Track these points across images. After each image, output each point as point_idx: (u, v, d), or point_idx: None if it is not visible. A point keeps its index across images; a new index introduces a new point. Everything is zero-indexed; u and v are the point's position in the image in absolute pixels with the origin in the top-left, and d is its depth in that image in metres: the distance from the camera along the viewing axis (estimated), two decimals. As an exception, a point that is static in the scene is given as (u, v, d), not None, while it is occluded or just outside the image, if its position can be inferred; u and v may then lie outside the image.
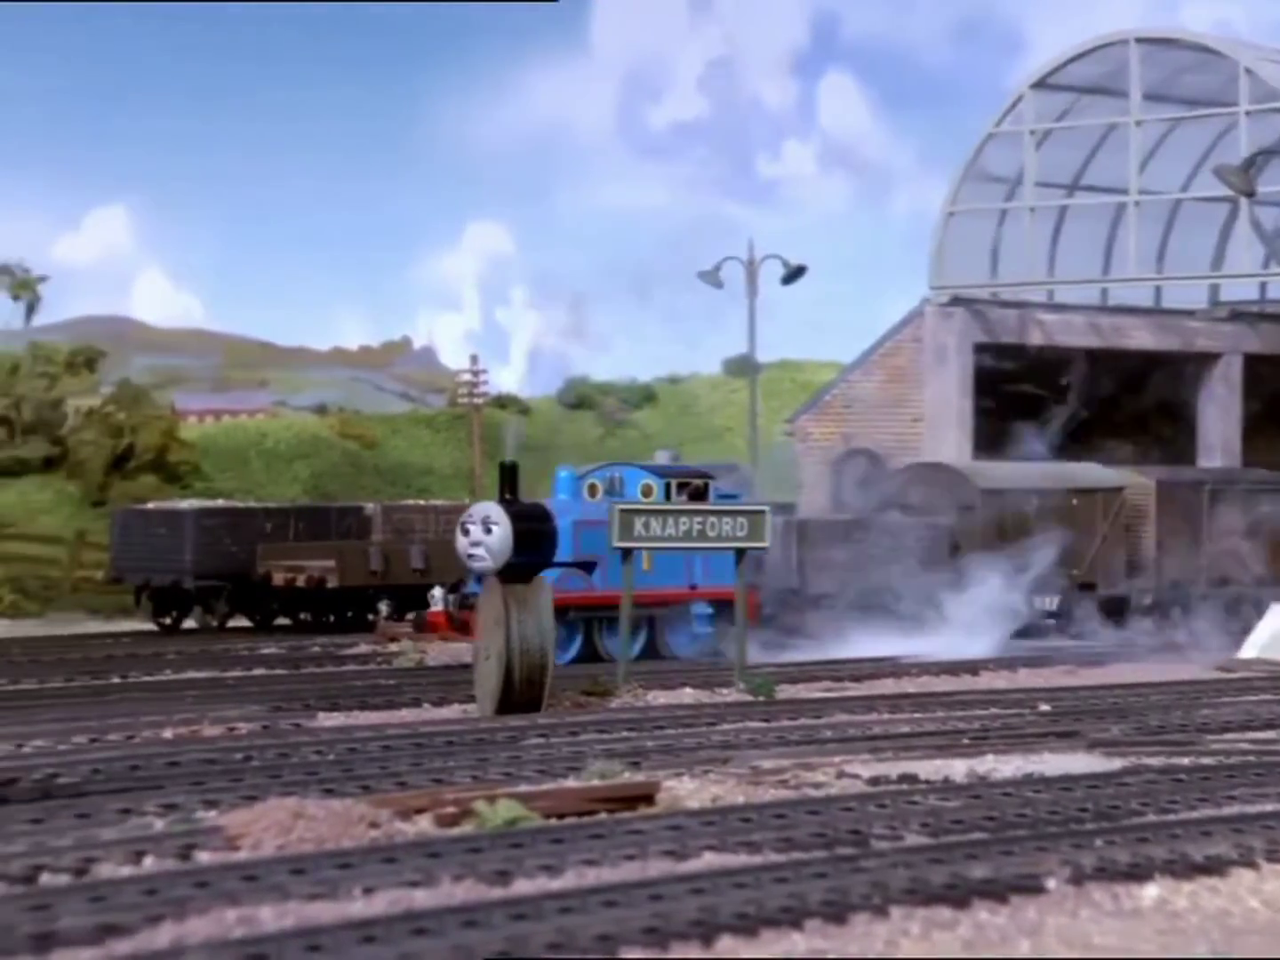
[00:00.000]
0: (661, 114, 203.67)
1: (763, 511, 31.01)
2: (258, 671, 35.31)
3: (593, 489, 37.12)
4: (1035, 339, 50.38)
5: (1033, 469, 44.43)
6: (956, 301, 49.86)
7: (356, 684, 32.62)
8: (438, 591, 36.83)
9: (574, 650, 36.40)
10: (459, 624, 35.55)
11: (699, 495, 36.24)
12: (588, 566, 36.35)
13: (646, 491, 36.60)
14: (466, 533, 28.99)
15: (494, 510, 28.86)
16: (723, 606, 36.02)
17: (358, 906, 14.14)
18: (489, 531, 28.71)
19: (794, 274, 49.77)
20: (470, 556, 28.93)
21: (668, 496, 36.16)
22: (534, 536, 29.41)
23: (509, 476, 29.09)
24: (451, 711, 28.70)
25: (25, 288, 72.59)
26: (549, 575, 30.15)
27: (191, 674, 34.51)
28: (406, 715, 28.24)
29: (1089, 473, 45.12)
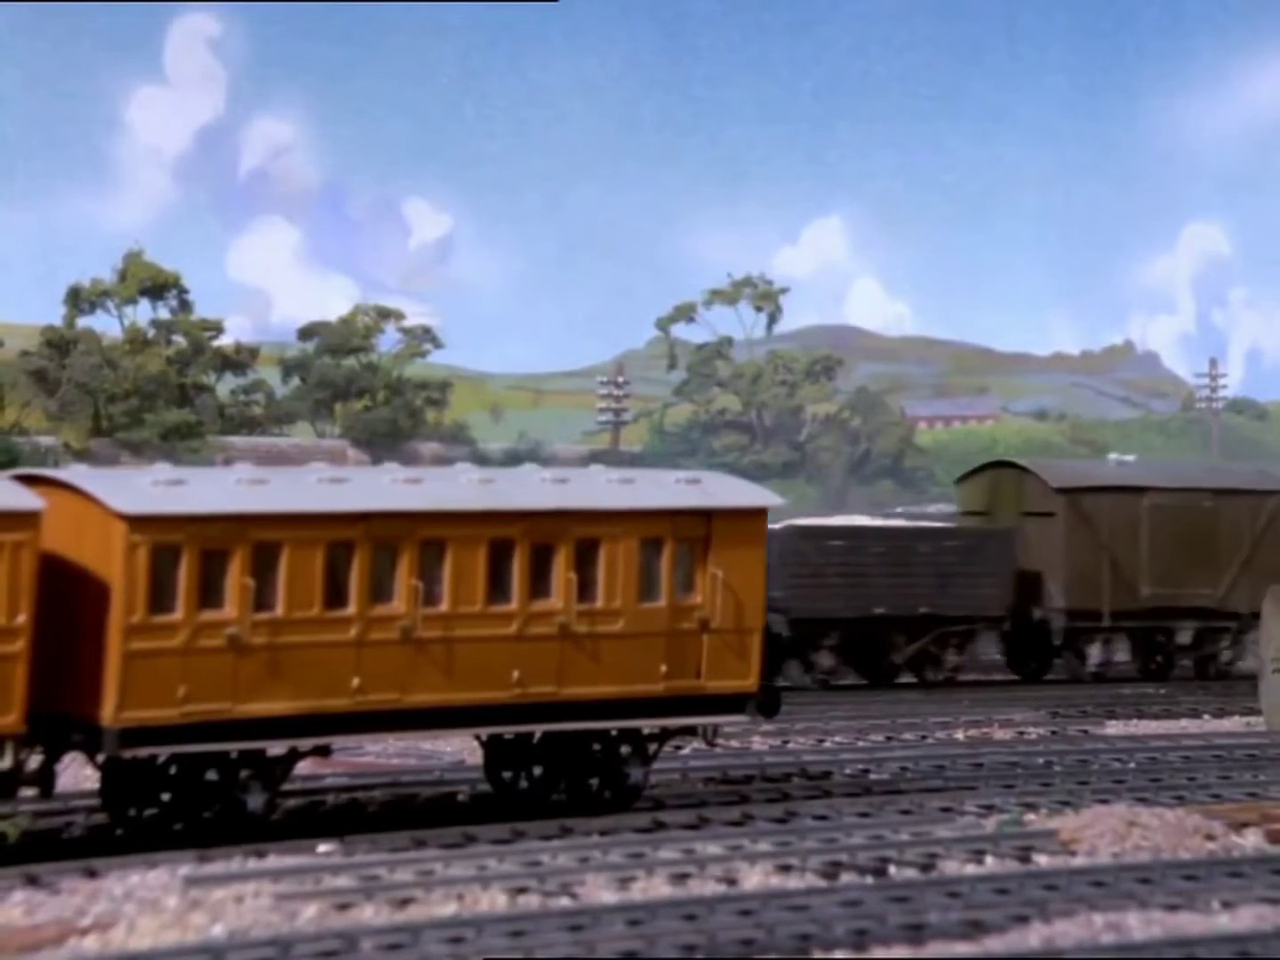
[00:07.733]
0: None
1: None
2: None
3: None
4: None
5: None
6: None
7: (1125, 693, 32.26)
8: None
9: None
10: None
11: None
12: None
13: None
14: None
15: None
16: None
17: (1223, 921, 13.86)
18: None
19: None
20: None
21: None
22: None
23: None
24: (1233, 724, 28.08)
25: (767, 299, 75.01)
26: None
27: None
28: (1188, 725, 27.85)
29: None
